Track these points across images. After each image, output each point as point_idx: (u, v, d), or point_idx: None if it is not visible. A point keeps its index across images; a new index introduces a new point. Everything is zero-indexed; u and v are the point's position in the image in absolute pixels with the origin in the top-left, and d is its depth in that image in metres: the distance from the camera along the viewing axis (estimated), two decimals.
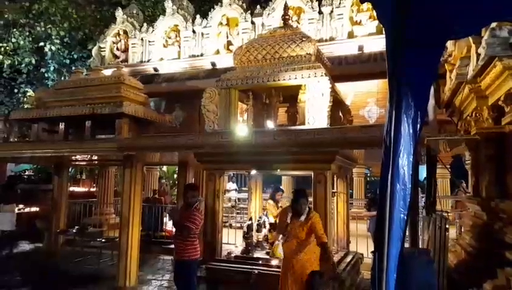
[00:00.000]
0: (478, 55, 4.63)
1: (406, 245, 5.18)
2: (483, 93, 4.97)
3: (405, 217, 1.87)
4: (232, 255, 5.68)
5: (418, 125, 1.88)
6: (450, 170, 10.35)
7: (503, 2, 1.93)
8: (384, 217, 1.88)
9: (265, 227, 6.14)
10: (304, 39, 5.63)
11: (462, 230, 7.74)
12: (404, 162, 1.86)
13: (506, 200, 4.79)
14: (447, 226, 4.84)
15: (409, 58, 1.90)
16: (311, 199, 4.92)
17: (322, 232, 4.33)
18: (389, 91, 1.94)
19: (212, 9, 10.71)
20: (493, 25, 4.26)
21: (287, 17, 6.25)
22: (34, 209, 10.99)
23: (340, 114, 6.32)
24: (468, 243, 5.67)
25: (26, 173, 17.35)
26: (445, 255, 4.77)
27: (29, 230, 9.38)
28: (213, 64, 10.09)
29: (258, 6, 10.24)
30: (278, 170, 6.03)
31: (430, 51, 1.94)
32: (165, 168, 15.59)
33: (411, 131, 1.87)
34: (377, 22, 8.06)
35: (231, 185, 15.15)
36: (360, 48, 8.62)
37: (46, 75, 15.76)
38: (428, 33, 1.88)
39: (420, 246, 5.59)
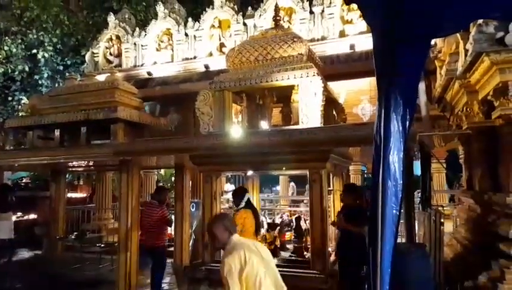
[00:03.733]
0: (466, 51, 4.70)
1: (402, 240, 5.24)
2: (473, 88, 5.04)
3: (397, 213, 1.90)
4: None
5: (407, 123, 1.92)
6: (445, 164, 10.44)
7: (486, 1, 1.98)
8: (377, 213, 1.92)
9: (263, 227, 6.18)
10: (295, 39, 5.68)
11: (458, 224, 7.81)
12: (395, 158, 1.90)
13: (499, 193, 4.85)
14: (442, 220, 4.90)
15: (396, 56, 1.95)
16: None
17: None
18: (378, 90, 1.98)
19: (204, 12, 10.75)
20: (480, 21, 4.33)
21: (278, 18, 6.28)
22: (32, 216, 10.97)
23: (334, 113, 6.37)
24: (464, 237, 5.74)
25: (23, 180, 17.29)
26: (441, 249, 4.82)
27: (28, 237, 9.37)
28: (206, 66, 10.12)
29: (250, 8, 10.29)
30: (274, 170, 6.07)
31: (417, 49, 1.98)
32: (162, 171, 15.59)
33: (400, 128, 1.91)
34: None
35: (229, 187, 15.17)
36: (352, 47, 8.69)
37: (39, 82, 15.74)
38: (414, 32, 1.92)
39: (416, 241, 5.65)
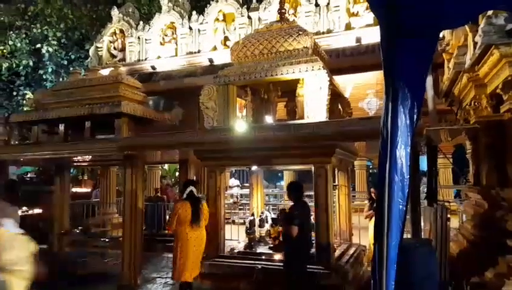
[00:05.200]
0: (475, 43, 4.61)
1: (408, 236, 5.19)
2: (482, 81, 4.95)
3: (404, 208, 1.87)
4: (235, 251, 5.71)
5: (415, 116, 1.89)
6: (451, 159, 10.34)
7: None
8: (383, 208, 1.88)
9: (267, 222, 6.16)
10: (300, 33, 5.61)
11: (464, 219, 7.74)
12: (402, 153, 1.86)
13: (506, 188, 4.79)
14: (448, 215, 4.85)
15: (403, 49, 1.90)
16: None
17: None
18: (385, 83, 1.94)
19: (208, 5, 10.67)
20: (489, 12, 4.24)
21: (283, 10, 6.22)
22: (37, 211, 11.00)
23: (340, 107, 6.31)
24: (470, 232, 5.68)
25: (29, 175, 17.37)
26: (446, 245, 4.77)
27: (32, 232, 9.39)
28: (210, 60, 10.06)
29: (254, 1, 10.20)
30: (279, 165, 6.03)
31: (424, 42, 1.94)
32: (166, 166, 15.59)
33: (408, 122, 1.87)
34: None
35: (234, 182, 15.16)
36: (358, 40, 8.59)
37: (44, 76, 15.79)
38: (421, 24, 1.88)
39: (422, 237, 5.60)
